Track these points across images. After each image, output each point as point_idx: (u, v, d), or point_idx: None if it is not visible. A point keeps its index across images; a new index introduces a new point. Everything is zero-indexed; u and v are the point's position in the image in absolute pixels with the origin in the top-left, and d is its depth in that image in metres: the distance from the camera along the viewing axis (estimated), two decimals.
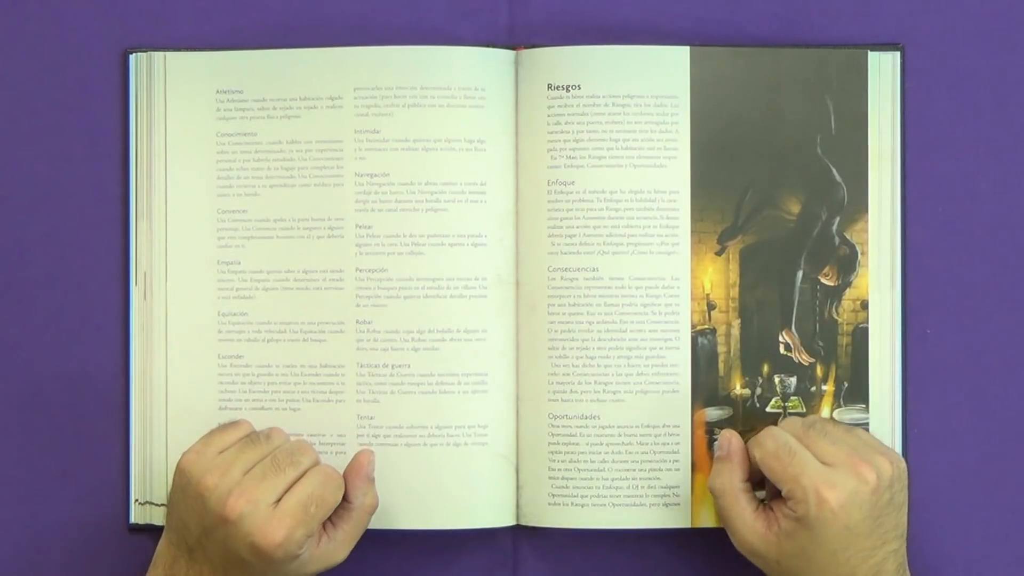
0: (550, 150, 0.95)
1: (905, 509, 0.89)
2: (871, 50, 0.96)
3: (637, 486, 0.95)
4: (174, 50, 0.97)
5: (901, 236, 0.96)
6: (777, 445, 0.88)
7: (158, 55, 0.97)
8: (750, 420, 0.95)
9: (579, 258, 0.95)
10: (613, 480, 0.95)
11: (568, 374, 0.95)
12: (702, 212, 0.95)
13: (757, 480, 0.91)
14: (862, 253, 0.96)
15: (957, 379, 0.97)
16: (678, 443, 0.95)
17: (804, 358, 0.96)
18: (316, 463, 0.91)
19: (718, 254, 0.96)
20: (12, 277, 0.98)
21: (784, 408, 0.96)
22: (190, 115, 0.97)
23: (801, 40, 0.97)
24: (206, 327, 0.96)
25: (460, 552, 0.96)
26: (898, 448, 0.96)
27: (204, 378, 0.96)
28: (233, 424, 0.93)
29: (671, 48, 0.95)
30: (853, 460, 0.86)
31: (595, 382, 0.95)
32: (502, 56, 0.96)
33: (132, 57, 0.97)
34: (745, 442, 0.91)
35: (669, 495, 0.95)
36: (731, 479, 0.90)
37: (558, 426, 0.95)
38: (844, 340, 0.96)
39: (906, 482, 0.89)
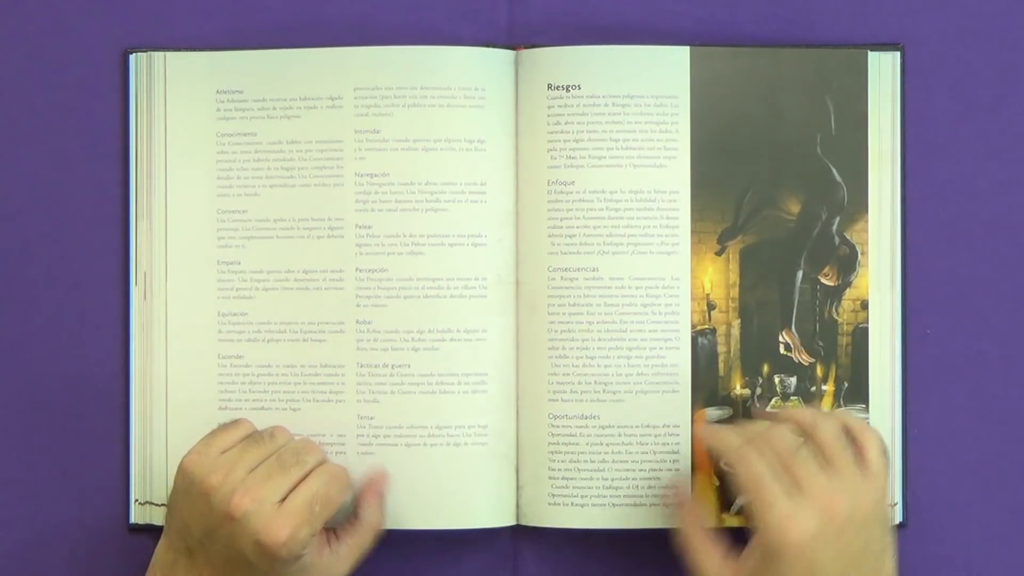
0: (550, 150, 0.95)
1: (887, 557, 0.86)
2: (871, 50, 0.96)
3: (637, 486, 0.95)
4: (174, 50, 0.97)
5: (901, 236, 0.96)
6: (750, 474, 0.85)
7: (158, 55, 0.97)
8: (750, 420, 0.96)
9: (579, 258, 0.95)
10: (613, 480, 0.95)
11: (568, 374, 0.95)
12: (702, 212, 0.95)
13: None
14: (862, 253, 0.96)
15: (957, 379, 0.97)
16: (678, 443, 0.95)
17: (804, 358, 0.96)
18: (322, 461, 0.90)
19: (718, 254, 0.96)
20: (12, 277, 0.98)
21: (784, 408, 0.95)
22: (190, 115, 0.97)
23: (801, 40, 0.97)
24: (206, 327, 0.96)
25: (460, 552, 0.96)
26: (898, 448, 0.96)
27: (204, 378, 0.96)
28: (234, 423, 0.92)
29: (671, 48, 0.95)
30: (826, 496, 0.83)
31: (595, 382, 0.95)
32: (502, 56, 0.96)
33: (132, 57, 0.97)
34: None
35: (669, 495, 0.95)
36: (691, 523, 0.90)
37: (558, 426, 0.95)
38: (844, 340, 0.96)
39: (888, 528, 0.87)
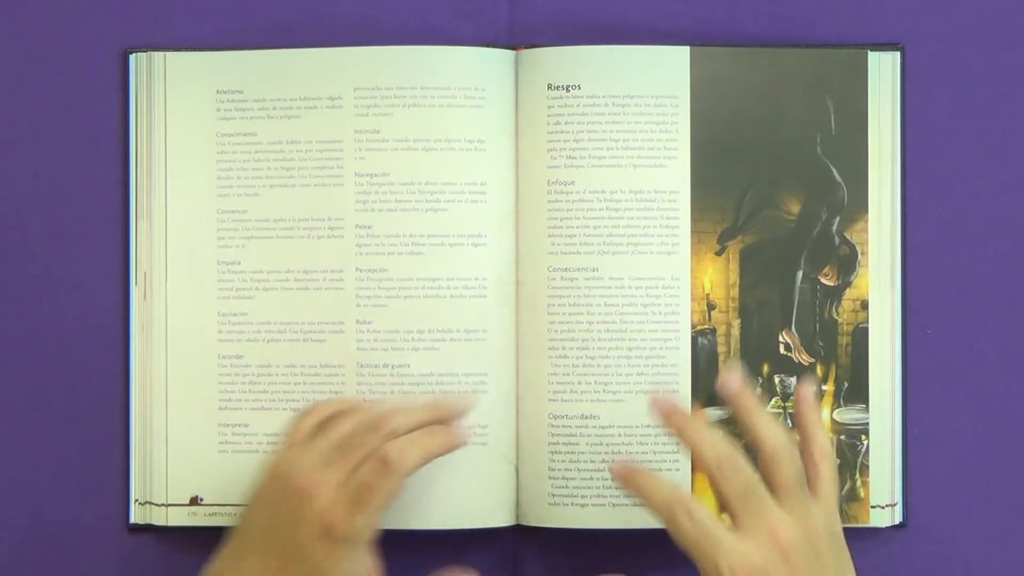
0: (550, 150, 0.95)
1: (847, 573, 0.85)
2: (871, 50, 0.96)
3: None
4: (174, 50, 0.97)
5: (901, 236, 0.96)
6: (693, 526, 0.82)
7: (158, 55, 0.97)
8: None
9: (579, 258, 0.95)
10: (613, 480, 0.95)
11: (568, 374, 0.95)
12: (702, 212, 0.95)
13: None
14: (862, 253, 0.96)
15: (957, 379, 0.97)
16: (679, 443, 0.95)
17: (804, 358, 0.96)
18: (390, 437, 0.87)
19: (718, 254, 0.96)
20: (12, 277, 0.98)
21: (784, 408, 0.96)
22: (190, 115, 0.97)
23: (801, 40, 0.97)
24: (206, 327, 0.96)
25: (460, 552, 0.96)
26: (898, 448, 0.96)
27: (204, 378, 0.96)
28: (305, 413, 0.90)
29: (671, 48, 0.95)
30: (773, 525, 0.82)
31: (595, 382, 0.95)
32: (502, 56, 0.96)
33: (132, 57, 0.97)
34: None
35: None
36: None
37: (558, 426, 0.95)
38: (844, 340, 0.96)
39: (842, 544, 0.86)
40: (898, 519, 0.96)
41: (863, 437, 0.95)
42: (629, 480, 0.86)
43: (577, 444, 0.95)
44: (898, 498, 0.96)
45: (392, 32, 0.97)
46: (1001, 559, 0.97)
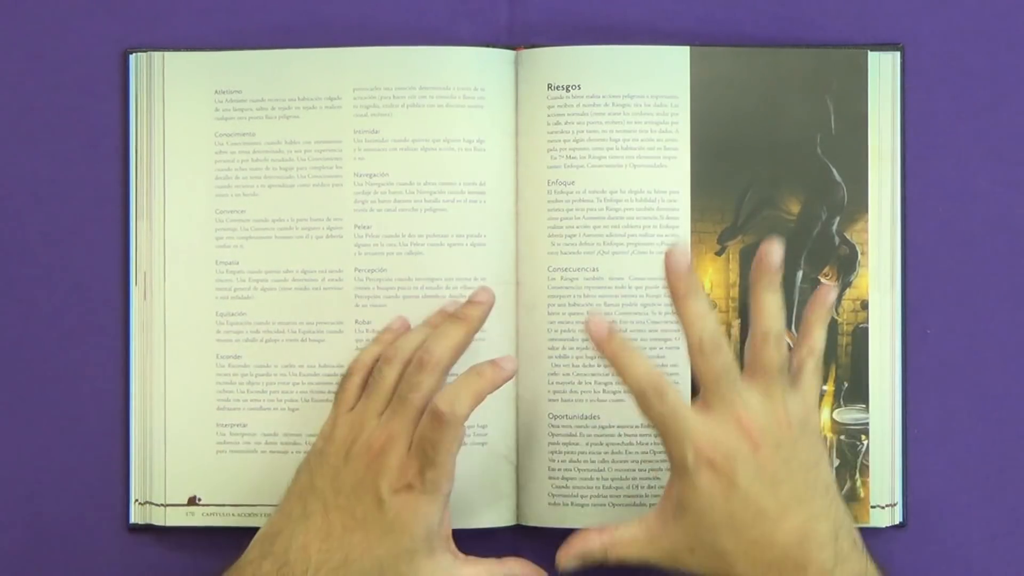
0: (550, 150, 0.95)
1: (822, 467, 0.85)
2: (871, 50, 0.96)
3: (637, 486, 0.95)
4: (174, 50, 0.97)
5: (901, 236, 0.96)
6: (664, 409, 0.83)
7: (158, 55, 0.97)
8: None
9: (579, 258, 0.95)
10: (613, 480, 0.95)
11: (568, 374, 0.95)
12: (702, 212, 0.95)
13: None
14: (862, 253, 0.96)
15: (957, 379, 0.97)
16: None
17: None
18: (440, 372, 0.88)
19: (718, 254, 0.96)
20: (12, 277, 0.98)
21: None
22: (189, 115, 0.97)
23: (801, 40, 0.97)
24: (204, 327, 0.96)
25: (460, 552, 0.96)
26: (898, 448, 0.96)
27: (203, 378, 0.96)
28: (346, 376, 0.91)
29: (671, 48, 0.95)
30: (740, 414, 0.83)
31: (595, 382, 0.95)
32: (502, 56, 0.96)
33: (132, 57, 0.97)
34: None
35: None
36: (594, 543, 0.87)
37: (558, 426, 0.95)
38: (844, 340, 0.96)
39: (817, 440, 0.85)
40: (898, 519, 0.96)
41: (863, 437, 0.95)
42: (606, 347, 0.86)
43: (577, 444, 0.95)
44: (898, 498, 0.96)
45: (391, 32, 0.97)
46: (1001, 559, 0.97)
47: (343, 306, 0.95)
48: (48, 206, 0.98)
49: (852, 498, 0.95)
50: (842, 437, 0.95)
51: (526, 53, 0.96)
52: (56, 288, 0.98)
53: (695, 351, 0.85)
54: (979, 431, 0.97)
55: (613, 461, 0.95)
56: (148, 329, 0.97)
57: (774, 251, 0.86)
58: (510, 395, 0.95)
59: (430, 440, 0.85)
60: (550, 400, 0.95)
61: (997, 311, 0.97)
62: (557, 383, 0.95)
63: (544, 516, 0.95)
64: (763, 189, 0.95)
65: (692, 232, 0.95)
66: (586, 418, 0.95)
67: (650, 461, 0.95)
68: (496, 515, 0.96)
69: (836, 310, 0.96)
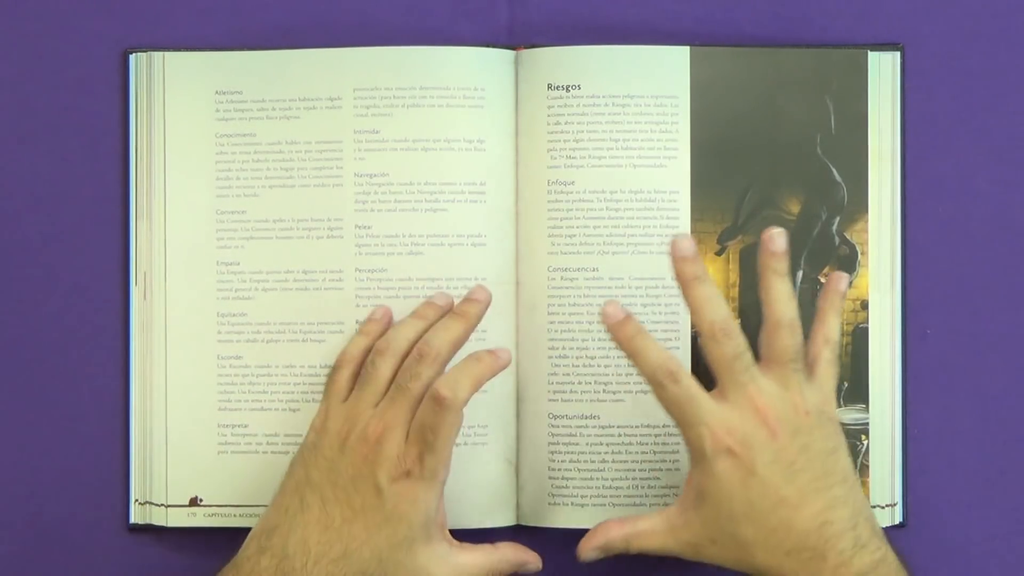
0: (550, 150, 0.95)
1: (840, 455, 0.86)
2: (871, 50, 0.96)
3: (637, 486, 0.95)
4: (174, 50, 0.97)
5: (901, 236, 0.96)
6: (679, 391, 0.84)
7: (158, 55, 0.97)
8: None
9: (579, 258, 0.95)
10: (613, 480, 0.95)
11: (568, 374, 0.95)
12: (702, 212, 0.95)
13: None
14: (862, 253, 0.96)
15: (957, 379, 0.97)
16: (678, 443, 0.95)
17: None
18: (439, 364, 0.88)
19: (718, 254, 0.96)
20: (12, 277, 0.98)
21: None
22: (189, 116, 0.97)
23: (801, 40, 0.97)
24: (205, 327, 0.96)
25: None
26: (898, 448, 0.96)
27: (203, 378, 0.96)
28: (335, 368, 0.92)
29: (671, 48, 0.95)
30: (757, 401, 0.84)
31: (595, 382, 0.95)
32: (502, 56, 0.96)
33: (132, 57, 0.97)
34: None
35: (669, 495, 0.95)
36: (615, 535, 0.89)
37: (558, 426, 0.95)
38: (844, 340, 0.96)
39: (835, 429, 0.86)
40: (898, 519, 0.96)
41: (863, 437, 0.95)
42: (621, 332, 0.87)
43: (577, 444, 0.95)
44: (898, 498, 0.96)
45: (392, 32, 0.97)
46: (1001, 559, 0.97)
47: (344, 306, 0.95)
48: (48, 206, 0.98)
49: None
50: None
51: (526, 53, 0.96)
52: (56, 288, 0.98)
53: (707, 337, 0.85)
54: (979, 431, 0.97)
55: (613, 461, 0.95)
56: (148, 329, 0.97)
57: (776, 236, 0.87)
58: (510, 395, 0.95)
59: (430, 425, 0.86)
60: (550, 400, 0.95)
61: (997, 311, 0.97)
62: (557, 383, 0.95)
63: (544, 516, 0.95)
64: (763, 189, 0.96)
65: (692, 232, 0.95)
66: (586, 418, 0.95)
67: (650, 461, 0.95)
68: (496, 515, 0.96)
69: None
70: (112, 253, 0.97)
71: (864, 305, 0.96)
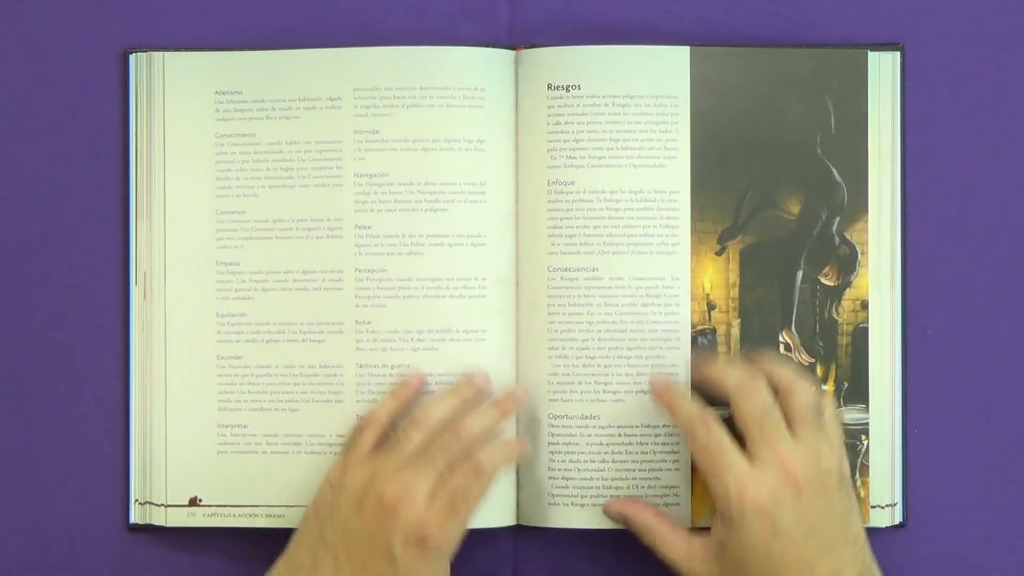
0: (550, 150, 0.95)
1: (853, 518, 0.88)
2: (871, 50, 0.96)
3: (637, 486, 0.95)
4: (174, 50, 0.97)
5: (901, 236, 0.96)
6: (709, 440, 0.87)
7: (158, 55, 0.97)
8: None
9: (579, 258, 0.95)
10: (613, 480, 0.95)
11: (568, 374, 0.95)
12: (702, 212, 0.95)
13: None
14: (862, 253, 0.96)
15: (957, 379, 0.97)
16: (678, 443, 0.95)
17: (804, 358, 0.96)
18: (469, 448, 0.89)
19: (718, 254, 0.96)
20: (12, 277, 0.98)
21: None
22: (189, 116, 0.97)
23: (801, 40, 0.97)
24: (205, 327, 0.96)
25: (460, 552, 0.96)
26: (898, 448, 0.96)
27: (203, 378, 0.96)
28: (360, 428, 0.92)
29: (671, 48, 0.95)
30: (785, 459, 0.85)
31: (595, 382, 0.95)
32: (502, 56, 0.96)
33: (132, 57, 0.97)
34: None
35: (669, 495, 0.95)
36: (643, 520, 0.91)
37: (558, 426, 0.95)
38: (844, 340, 0.96)
39: (851, 490, 0.89)
40: (898, 519, 0.96)
41: (863, 437, 0.95)
42: (662, 394, 0.91)
43: (577, 444, 0.95)
44: (898, 498, 0.96)
45: (392, 32, 0.97)
46: (1001, 559, 0.97)
47: (343, 306, 0.95)
48: (48, 206, 0.98)
49: None
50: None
51: (526, 53, 0.96)
52: (56, 288, 0.98)
53: (736, 395, 0.89)
54: (979, 431, 0.97)
55: (613, 461, 0.95)
56: (148, 329, 0.97)
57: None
58: None
59: (464, 491, 0.87)
60: (550, 400, 0.95)
61: (997, 311, 0.97)
62: (557, 383, 0.95)
63: (544, 516, 0.95)
64: (763, 189, 0.95)
65: (692, 232, 0.95)
66: (586, 418, 0.95)
67: (650, 461, 0.95)
68: (496, 515, 0.95)
69: (836, 310, 0.96)
70: (112, 253, 0.97)
71: (864, 305, 0.96)
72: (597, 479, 0.95)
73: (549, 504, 0.95)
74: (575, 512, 0.95)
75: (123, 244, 0.97)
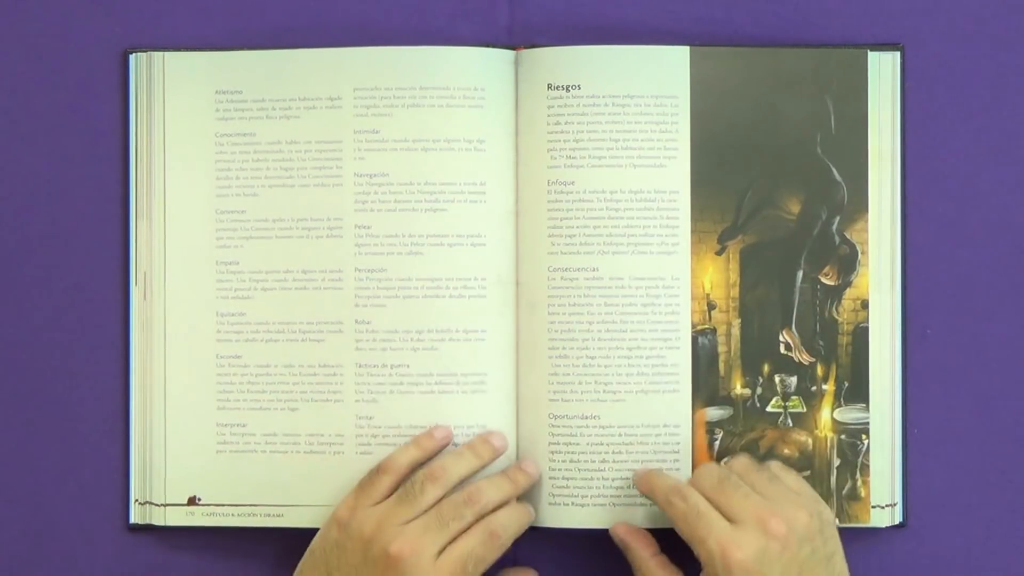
0: (550, 150, 0.95)
1: (837, 559, 0.88)
2: (871, 50, 0.96)
3: None
4: (174, 50, 0.97)
5: (901, 236, 0.96)
6: (687, 507, 0.87)
7: (158, 55, 0.97)
8: (750, 420, 0.95)
9: (579, 258, 0.95)
10: (613, 480, 0.95)
11: (568, 374, 0.95)
12: (702, 212, 0.95)
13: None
14: (862, 252, 0.96)
15: (957, 379, 0.97)
16: (678, 443, 0.95)
17: (804, 357, 0.96)
18: (483, 514, 0.90)
19: (718, 254, 0.96)
20: (12, 277, 0.98)
21: (784, 408, 0.96)
22: (189, 115, 0.97)
23: (801, 40, 0.97)
24: (205, 327, 0.96)
25: None
26: (898, 448, 0.96)
27: (203, 378, 0.96)
28: (380, 471, 0.92)
29: (671, 48, 0.95)
30: (762, 515, 0.85)
31: (595, 382, 0.95)
32: (502, 56, 0.96)
33: (132, 57, 0.97)
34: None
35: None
36: (640, 555, 0.92)
37: (558, 426, 0.95)
38: (844, 339, 0.96)
39: (833, 532, 0.88)
40: (898, 519, 0.96)
41: (864, 436, 0.95)
42: (642, 478, 0.92)
43: (577, 444, 0.95)
44: (898, 498, 0.96)
45: (392, 32, 0.97)
46: (1001, 559, 0.97)
47: (343, 306, 0.95)
48: (48, 206, 0.98)
49: (853, 497, 0.95)
50: (843, 436, 0.95)
51: (526, 53, 0.96)
52: (56, 288, 0.98)
53: (678, 489, 0.89)
54: (979, 431, 0.97)
55: (614, 461, 0.95)
56: (148, 329, 0.97)
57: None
58: (510, 395, 0.95)
59: (480, 556, 0.88)
60: (550, 400, 0.95)
61: (997, 311, 0.97)
62: (557, 383, 0.95)
63: (544, 516, 0.95)
64: (763, 189, 0.95)
65: (692, 232, 0.95)
66: (586, 418, 0.95)
67: (651, 461, 0.95)
68: None
69: (836, 310, 0.96)
70: (112, 253, 0.97)
71: (864, 304, 0.96)
72: (597, 479, 0.95)
73: (549, 504, 0.95)
74: (575, 512, 0.95)
75: (123, 244, 0.97)
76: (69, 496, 0.97)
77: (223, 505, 0.96)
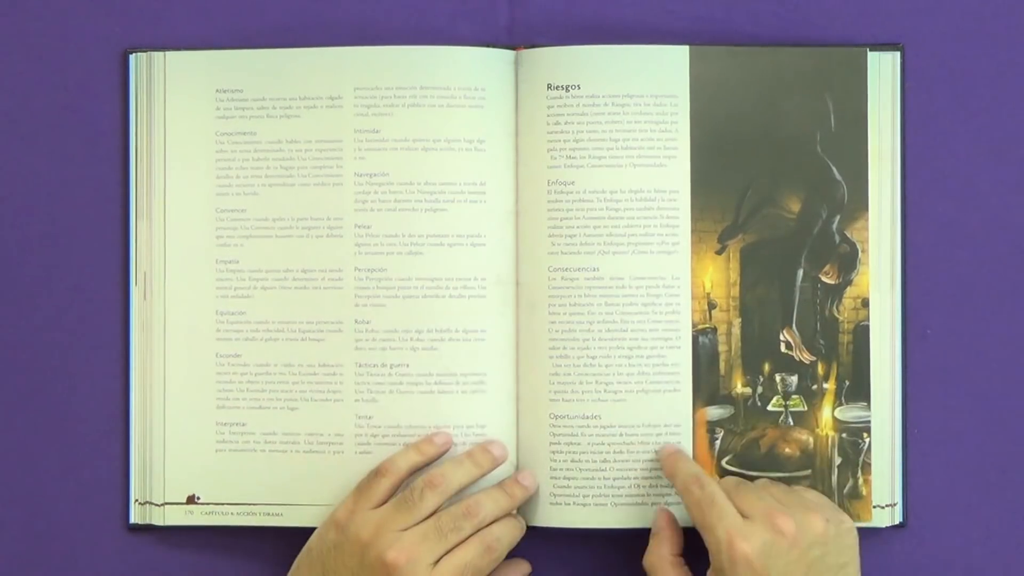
0: (550, 150, 0.95)
1: (850, 570, 0.88)
2: (871, 50, 0.96)
3: (639, 485, 0.95)
4: (174, 50, 0.97)
5: (901, 235, 0.96)
6: (702, 495, 0.88)
7: (158, 55, 0.97)
8: (751, 419, 0.95)
9: (579, 258, 0.95)
10: (614, 480, 0.95)
11: (569, 374, 0.95)
12: (702, 211, 0.95)
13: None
14: (862, 251, 0.96)
15: (957, 379, 0.97)
16: (679, 442, 0.95)
17: (805, 356, 0.96)
18: (481, 527, 0.91)
19: (718, 253, 0.96)
20: (12, 277, 0.98)
21: (785, 407, 0.95)
22: (190, 114, 0.97)
23: (801, 40, 0.97)
24: (204, 326, 0.96)
25: None
26: (898, 448, 0.95)
27: (202, 377, 0.96)
28: (379, 473, 0.92)
29: (671, 48, 0.95)
30: (772, 512, 0.86)
31: (596, 382, 0.95)
32: (502, 56, 0.96)
33: (132, 57, 0.97)
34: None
35: (670, 494, 0.95)
36: (661, 554, 0.92)
37: (559, 426, 0.95)
38: (845, 338, 0.95)
39: (851, 544, 0.89)
40: (898, 519, 0.96)
41: (865, 435, 0.95)
42: (667, 456, 0.93)
43: (578, 444, 0.95)
44: (898, 498, 0.96)
45: (392, 32, 0.97)
46: (1001, 559, 0.97)
47: (343, 306, 0.95)
48: (48, 206, 0.98)
49: (855, 496, 0.95)
50: (844, 435, 0.95)
51: (526, 53, 0.96)
52: (56, 288, 0.98)
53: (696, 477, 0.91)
54: (979, 431, 0.97)
55: (615, 461, 0.95)
56: (148, 329, 0.97)
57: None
58: (511, 395, 0.95)
59: (477, 568, 0.89)
60: (551, 400, 0.95)
61: (997, 311, 0.97)
62: (558, 383, 0.95)
63: (545, 516, 0.95)
64: (763, 188, 0.95)
65: (692, 231, 0.95)
66: (587, 418, 0.95)
67: (651, 461, 0.95)
68: None
69: (837, 308, 0.96)
70: (112, 253, 0.97)
71: (865, 303, 0.96)
72: (598, 479, 0.95)
73: (551, 504, 0.95)
74: (576, 512, 0.95)
75: (123, 244, 0.97)
76: (69, 496, 0.97)
77: (222, 504, 0.96)
